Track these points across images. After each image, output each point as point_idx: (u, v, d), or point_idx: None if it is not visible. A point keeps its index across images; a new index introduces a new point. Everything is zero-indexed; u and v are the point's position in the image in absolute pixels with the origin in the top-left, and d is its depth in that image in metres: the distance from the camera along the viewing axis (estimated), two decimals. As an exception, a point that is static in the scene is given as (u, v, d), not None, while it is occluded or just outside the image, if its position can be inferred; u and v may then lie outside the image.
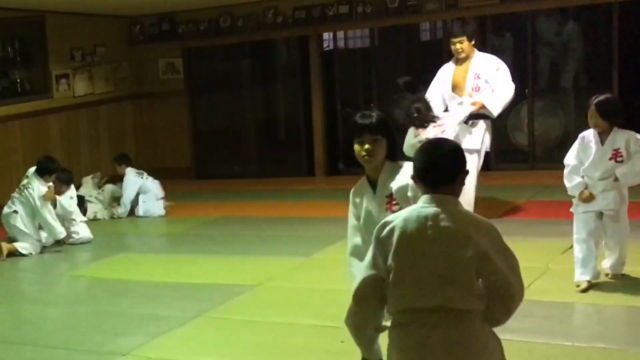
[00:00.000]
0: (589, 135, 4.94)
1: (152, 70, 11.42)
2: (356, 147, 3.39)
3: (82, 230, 7.81)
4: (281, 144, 11.56)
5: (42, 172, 7.41)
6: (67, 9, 9.91)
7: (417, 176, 2.67)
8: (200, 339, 4.83)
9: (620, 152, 4.85)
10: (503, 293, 2.56)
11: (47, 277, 6.82)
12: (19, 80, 9.85)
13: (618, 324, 4.59)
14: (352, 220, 3.44)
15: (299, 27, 10.48)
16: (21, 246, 7.36)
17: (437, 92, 6.96)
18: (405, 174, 3.18)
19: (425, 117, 6.37)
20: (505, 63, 6.91)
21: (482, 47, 9.73)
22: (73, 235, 7.72)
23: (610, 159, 4.86)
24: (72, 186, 7.98)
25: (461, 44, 6.78)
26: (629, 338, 4.33)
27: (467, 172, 2.65)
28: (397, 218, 2.64)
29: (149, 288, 6.07)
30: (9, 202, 7.48)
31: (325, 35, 10.95)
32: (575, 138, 5.06)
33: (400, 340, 2.64)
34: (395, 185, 3.25)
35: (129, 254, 7.34)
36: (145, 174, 9.18)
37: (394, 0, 9.83)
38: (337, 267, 6.20)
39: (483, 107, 6.68)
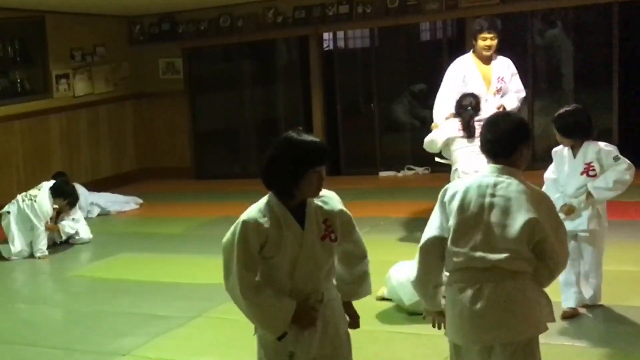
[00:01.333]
0: (561, 149, 4.68)
1: (152, 70, 11.41)
2: None
3: (82, 231, 7.81)
4: (281, 143, 11.57)
5: (56, 194, 7.41)
6: (67, 9, 9.91)
7: (481, 148, 3.01)
8: (200, 339, 4.83)
9: (593, 166, 4.50)
10: (548, 260, 2.83)
11: (47, 277, 6.82)
12: (19, 80, 9.85)
13: (619, 325, 4.58)
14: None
15: (299, 27, 10.47)
16: (4, 248, 7.34)
17: (454, 91, 6.44)
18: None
19: (477, 111, 6.18)
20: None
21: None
22: (74, 235, 7.72)
23: (582, 173, 4.53)
24: (76, 207, 7.89)
25: (492, 41, 6.31)
26: (632, 339, 4.33)
27: (528, 145, 2.97)
28: (461, 184, 2.95)
29: (149, 288, 6.07)
30: (11, 202, 7.48)
31: (325, 35, 10.94)
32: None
33: (454, 297, 2.89)
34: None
35: (129, 254, 7.34)
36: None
37: (394, 0, 9.83)
38: (337, 267, 6.22)
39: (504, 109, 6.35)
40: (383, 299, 5.11)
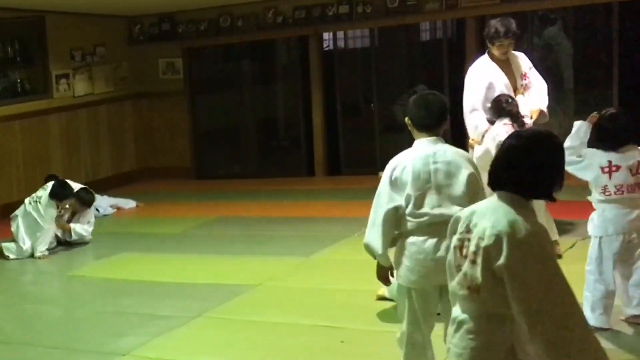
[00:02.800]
0: None
1: (152, 70, 11.41)
2: None
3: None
4: (281, 143, 11.56)
5: (52, 197, 7.39)
6: (67, 9, 9.90)
7: (416, 123, 3.70)
8: (200, 339, 4.83)
9: None
10: (479, 199, 3.18)
11: (47, 277, 6.82)
12: (19, 80, 9.85)
13: (619, 326, 4.58)
14: None
15: (299, 27, 10.47)
16: (7, 247, 7.34)
17: (482, 99, 6.09)
18: None
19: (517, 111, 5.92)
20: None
21: (481, 47, 9.76)
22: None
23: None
24: (91, 209, 7.89)
25: (509, 47, 6.09)
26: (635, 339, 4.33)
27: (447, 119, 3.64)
28: (406, 159, 3.64)
29: (149, 288, 6.07)
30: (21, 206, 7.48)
31: (325, 35, 10.94)
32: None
33: (419, 247, 3.46)
34: None
35: (129, 254, 7.34)
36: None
37: (394, 0, 9.83)
38: (337, 267, 6.23)
39: (541, 112, 6.12)
40: (383, 298, 5.11)
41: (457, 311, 2.58)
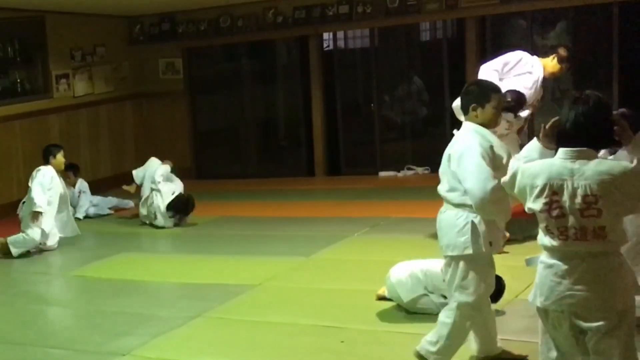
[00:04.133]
0: None
1: (152, 70, 11.41)
2: None
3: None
4: (281, 143, 11.56)
5: (45, 158, 7.47)
6: (67, 9, 9.91)
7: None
8: (200, 339, 4.83)
9: None
10: None
11: (47, 277, 6.82)
12: (19, 80, 9.85)
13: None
14: None
15: (299, 27, 10.47)
16: (13, 241, 7.33)
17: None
18: None
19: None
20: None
21: (482, 48, 9.77)
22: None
23: None
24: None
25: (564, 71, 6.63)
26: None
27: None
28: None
29: (149, 288, 6.07)
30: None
31: (325, 35, 10.94)
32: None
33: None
34: None
35: (129, 254, 7.34)
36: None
37: (394, 0, 9.83)
38: (337, 267, 6.23)
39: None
40: (383, 298, 5.11)
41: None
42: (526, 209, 2.99)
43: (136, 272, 6.60)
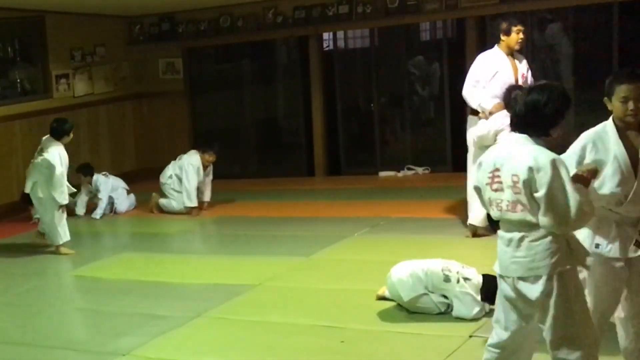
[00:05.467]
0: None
1: (152, 70, 11.41)
2: None
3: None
4: (281, 143, 11.56)
5: (59, 134, 7.40)
6: (67, 9, 9.90)
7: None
8: (200, 339, 4.83)
9: None
10: None
11: (47, 277, 6.82)
12: (19, 80, 9.85)
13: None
14: None
15: (299, 27, 10.47)
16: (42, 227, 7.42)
17: (485, 84, 6.45)
18: None
19: None
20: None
21: (482, 48, 9.76)
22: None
23: None
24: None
25: (523, 35, 6.45)
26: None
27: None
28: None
29: (149, 288, 6.07)
30: (28, 178, 7.42)
31: (325, 35, 10.94)
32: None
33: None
34: None
35: (129, 254, 7.34)
36: (107, 174, 9.37)
37: (394, 0, 9.83)
38: (337, 267, 6.23)
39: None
40: (383, 298, 5.11)
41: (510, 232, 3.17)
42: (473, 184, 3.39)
43: (136, 272, 6.60)
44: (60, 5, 9.62)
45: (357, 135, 10.96)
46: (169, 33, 11.23)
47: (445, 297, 4.81)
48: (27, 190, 7.40)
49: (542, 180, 3.04)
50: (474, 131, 6.45)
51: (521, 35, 6.43)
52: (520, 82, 6.43)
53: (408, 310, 4.87)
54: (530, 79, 6.58)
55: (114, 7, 10.27)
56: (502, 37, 6.46)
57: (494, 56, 6.51)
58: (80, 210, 9.09)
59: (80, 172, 9.10)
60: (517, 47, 6.48)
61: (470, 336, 4.33)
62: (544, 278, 3.11)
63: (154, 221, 8.84)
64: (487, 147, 6.41)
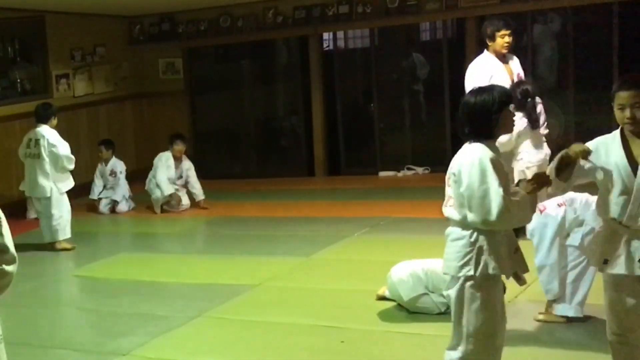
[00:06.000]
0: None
1: (152, 70, 11.41)
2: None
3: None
4: (281, 143, 11.56)
5: (47, 117, 7.45)
6: (67, 9, 9.90)
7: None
8: (200, 339, 4.83)
9: None
10: None
11: (47, 277, 6.82)
12: (19, 80, 9.85)
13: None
14: None
15: (299, 27, 10.47)
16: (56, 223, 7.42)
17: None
18: None
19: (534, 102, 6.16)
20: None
21: (482, 48, 9.75)
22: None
23: None
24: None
25: (510, 38, 6.35)
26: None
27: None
28: None
29: (149, 288, 6.07)
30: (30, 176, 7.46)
31: (325, 35, 10.94)
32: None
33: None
34: None
35: (129, 254, 7.34)
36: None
37: (394, 0, 9.83)
38: (337, 267, 6.23)
39: None
40: (383, 298, 5.12)
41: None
42: None
43: (136, 272, 6.60)
44: (60, 5, 9.62)
45: (357, 135, 10.96)
46: (169, 33, 11.23)
47: (445, 296, 4.82)
48: (29, 193, 7.47)
49: (465, 177, 3.19)
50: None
51: (507, 39, 6.33)
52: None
53: (408, 310, 4.87)
54: (525, 78, 6.55)
55: (114, 7, 10.27)
56: (488, 42, 6.41)
57: (486, 61, 6.44)
58: (95, 195, 9.35)
59: (102, 145, 9.49)
60: (504, 50, 6.39)
61: (470, 336, 4.32)
62: (449, 277, 3.31)
63: (154, 221, 8.84)
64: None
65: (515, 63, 6.54)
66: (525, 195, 3.29)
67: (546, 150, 6.24)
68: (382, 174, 10.38)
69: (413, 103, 10.71)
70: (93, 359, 4.65)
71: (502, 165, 3.26)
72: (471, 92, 3.36)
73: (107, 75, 10.98)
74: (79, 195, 9.16)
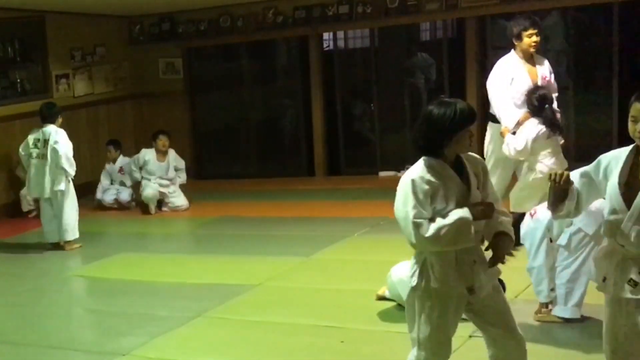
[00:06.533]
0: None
1: (152, 70, 11.41)
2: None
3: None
4: (281, 143, 11.56)
5: (54, 117, 7.51)
6: (67, 9, 9.90)
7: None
8: (200, 339, 4.83)
9: None
10: None
11: (47, 277, 6.82)
12: (19, 80, 9.85)
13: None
14: None
15: (299, 27, 10.47)
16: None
17: (506, 93, 6.09)
18: None
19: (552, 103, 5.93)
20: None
21: (482, 48, 9.77)
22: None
23: None
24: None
25: (537, 37, 6.08)
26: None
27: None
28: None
29: (149, 288, 6.07)
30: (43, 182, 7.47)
31: (325, 35, 10.93)
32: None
33: None
34: None
35: (129, 254, 7.34)
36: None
37: (394, 0, 9.83)
38: (337, 267, 6.23)
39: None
40: (383, 298, 5.12)
41: None
42: None
43: (136, 272, 6.61)
44: (60, 5, 9.62)
45: (357, 135, 10.96)
46: (169, 33, 11.23)
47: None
48: (48, 194, 7.45)
49: (396, 197, 3.19)
50: (510, 144, 5.97)
51: (534, 39, 6.06)
52: (542, 85, 6.07)
53: (408, 310, 4.87)
54: (551, 84, 6.22)
55: (114, 7, 10.27)
56: (515, 42, 6.15)
57: (509, 62, 6.17)
58: (100, 194, 9.57)
59: (110, 145, 9.78)
60: (531, 50, 6.12)
61: (470, 336, 4.32)
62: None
63: (153, 221, 8.85)
64: (507, 161, 6.21)
65: (543, 65, 6.24)
66: (460, 218, 3.06)
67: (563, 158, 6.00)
68: (382, 174, 10.37)
69: (413, 103, 10.71)
70: (93, 359, 4.65)
71: (433, 182, 3.14)
72: (436, 102, 3.18)
73: (107, 75, 10.98)
74: (79, 196, 9.17)
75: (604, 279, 3.07)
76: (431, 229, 3.05)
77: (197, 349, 4.66)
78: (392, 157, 10.54)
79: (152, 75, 11.40)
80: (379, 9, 9.93)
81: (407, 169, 3.54)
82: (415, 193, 3.10)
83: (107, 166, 9.74)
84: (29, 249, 7.60)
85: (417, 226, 3.07)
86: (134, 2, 10.06)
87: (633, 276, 2.96)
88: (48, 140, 7.39)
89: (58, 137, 7.39)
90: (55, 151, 7.35)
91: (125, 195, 9.46)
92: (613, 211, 2.99)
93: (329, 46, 11.15)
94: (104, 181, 9.65)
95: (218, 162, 11.66)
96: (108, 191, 9.57)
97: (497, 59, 6.44)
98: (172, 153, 9.51)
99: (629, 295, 2.97)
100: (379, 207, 8.32)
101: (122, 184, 9.61)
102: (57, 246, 7.48)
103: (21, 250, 7.64)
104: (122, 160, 9.68)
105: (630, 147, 3.09)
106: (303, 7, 10.35)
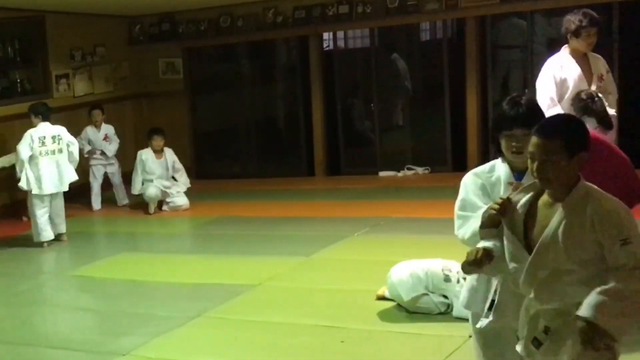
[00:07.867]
0: None
1: (152, 70, 11.41)
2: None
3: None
4: (281, 143, 11.56)
5: (49, 116, 7.94)
6: (67, 9, 9.90)
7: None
8: (200, 339, 4.83)
9: None
10: None
11: (47, 277, 6.82)
12: (19, 80, 9.84)
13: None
14: None
15: (299, 27, 10.47)
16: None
17: (556, 94, 5.69)
18: None
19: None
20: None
21: (482, 48, 9.77)
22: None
23: None
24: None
25: (595, 37, 5.76)
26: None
27: None
28: None
29: (149, 288, 6.07)
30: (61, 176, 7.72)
31: (325, 35, 10.94)
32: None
33: None
34: None
35: (129, 254, 7.34)
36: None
37: (394, 0, 9.83)
38: (337, 267, 6.23)
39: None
40: (383, 298, 5.12)
41: None
42: None
43: (136, 272, 6.61)
44: (60, 5, 9.62)
45: (357, 135, 10.96)
46: (169, 33, 11.23)
47: (445, 297, 4.82)
48: (55, 189, 7.71)
49: None
50: None
51: (592, 39, 5.75)
52: (598, 84, 5.70)
53: (408, 310, 4.87)
54: (609, 82, 5.89)
55: (114, 7, 10.27)
56: (570, 39, 5.80)
57: (560, 62, 5.77)
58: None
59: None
60: (586, 50, 5.81)
61: (470, 336, 4.33)
62: None
63: (153, 221, 8.85)
64: None
65: (599, 63, 5.90)
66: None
67: None
68: (382, 174, 10.37)
69: (413, 103, 10.71)
70: (93, 359, 4.65)
71: (477, 182, 2.98)
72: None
73: (107, 75, 10.98)
74: (78, 197, 9.17)
75: (517, 338, 2.71)
76: None
77: (197, 349, 4.66)
78: (392, 157, 10.54)
79: (152, 75, 11.40)
80: (379, 9, 9.93)
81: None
82: (465, 188, 3.11)
83: (89, 130, 9.67)
84: (29, 249, 7.60)
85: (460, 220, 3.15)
86: (134, 2, 10.06)
87: (537, 334, 2.57)
88: (58, 135, 7.83)
89: (69, 136, 7.98)
90: (71, 145, 7.88)
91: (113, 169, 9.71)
92: (515, 258, 2.65)
93: (329, 46, 11.15)
94: (86, 147, 9.56)
95: (218, 162, 11.66)
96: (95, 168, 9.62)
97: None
98: (168, 152, 9.52)
99: (531, 355, 2.59)
100: (379, 207, 8.34)
101: (103, 153, 9.62)
102: (55, 241, 7.64)
103: (21, 250, 7.64)
104: (106, 127, 9.75)
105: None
106: (303, 7, 10.35)
